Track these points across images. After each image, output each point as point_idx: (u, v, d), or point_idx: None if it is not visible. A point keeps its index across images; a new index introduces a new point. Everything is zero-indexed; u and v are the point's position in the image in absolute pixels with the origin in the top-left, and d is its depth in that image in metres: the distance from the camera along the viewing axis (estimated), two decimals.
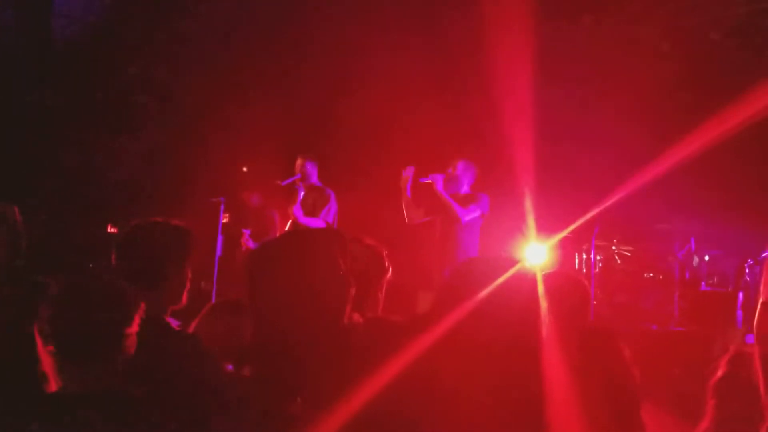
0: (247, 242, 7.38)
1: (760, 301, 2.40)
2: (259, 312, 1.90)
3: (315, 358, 1.41)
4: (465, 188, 6.90)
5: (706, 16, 8.28)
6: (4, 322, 2.54)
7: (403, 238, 7.05)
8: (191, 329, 2.79)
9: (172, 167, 8.98)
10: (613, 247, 8.53)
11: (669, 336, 7.50)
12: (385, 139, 8.17)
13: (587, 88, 8.26)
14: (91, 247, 7.67)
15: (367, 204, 7.72)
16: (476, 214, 6.76)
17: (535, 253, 7.01)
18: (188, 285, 2.68)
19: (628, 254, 8.55)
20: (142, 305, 2.18)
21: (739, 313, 6.86)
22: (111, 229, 8.09)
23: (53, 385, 2.19)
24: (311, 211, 7.22)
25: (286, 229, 7.29)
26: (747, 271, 6.91)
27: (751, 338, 6.46)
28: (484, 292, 1.71)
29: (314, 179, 7.43)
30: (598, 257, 8.21)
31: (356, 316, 2.00)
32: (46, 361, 2.34)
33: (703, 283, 8.22)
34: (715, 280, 8.28)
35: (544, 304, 1.76)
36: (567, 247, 8.07)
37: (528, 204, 6.92)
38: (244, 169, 8.21)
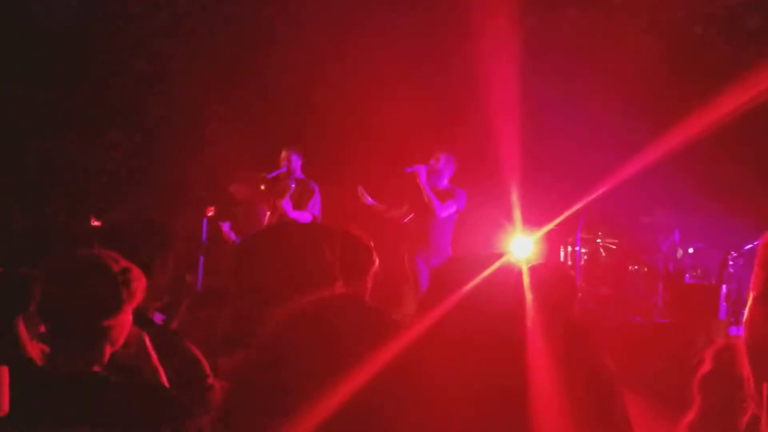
0: (230, 235, 7.35)
1: (751, 295, 2.41)
2: (242, 303, 1.89)
3: (296, 350, 1.41)
4: (444, 182, 6.92)
5: (689, 9, 8.31)
6: None
7: (376, 231, 7.07)
8: (175, 322, 2.77)
9: (157, 161, 8.94)
10: (598, 240, 8.56)
11: (653, 328, 7.55)
12: (368, 131, 8.15)
13: (573, 81, 8.27)
14: (74, 240, 7.62)
15: (345, 196, 7.71)
16: (452, 210, 6.78)
17: (521, 247, 7.03)
18: (170, 281, 2.67)
19: (613, 247, 8.60)
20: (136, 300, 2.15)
21: (723, 305, 6.91)
22: (94, 222, 8.03)
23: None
24: (298, 204, 7.20)
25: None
26: (730, 263, 6.96)
27: (734, 330, 6.51)
28: (469, 286, 1.70)
29: (299, 172, 7.41)
30: (583, 250, 8.24)
31: None
32: (32, 349, 2.34)
33: (686, 275, 8.28)
34: (699, 272, 8.33)
35: (529, 297, 1.76)
36: (552, 240, 8.09)
37: (513, 197, 6.94)
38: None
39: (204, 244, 7.46)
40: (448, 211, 6.73)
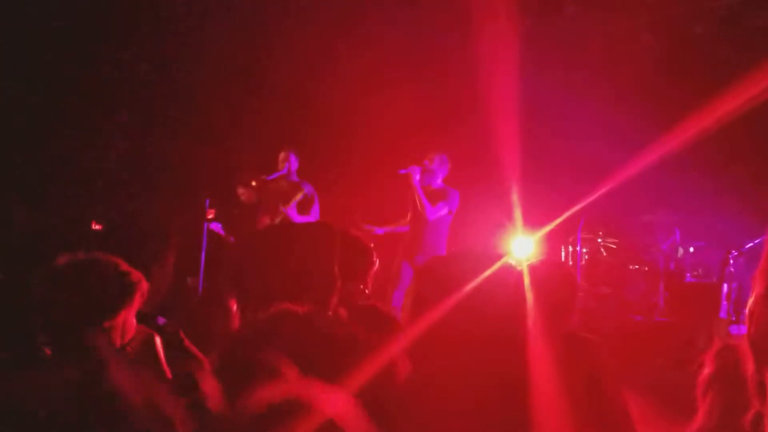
0: (222, 233, 7.34)
1: (754, 293, 2.40)
2: (244, 302, 1.90)
3: (298, 349, 1.41)
4: (438, 182, 6.92)
5: (689, 8, 8.30)
6: None
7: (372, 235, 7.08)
8: (176, 322, 2.77)
9: (157, 162, 8.93)
10: (599, 239, 8.56)
11: (654, 327, 7.55)
12: (368, 131, 8.15)
13: (573, 80, 8.27)
14: (75, 243, 7.61)
15: (345, 196, 7.71)
16: (443, 212, 6.75)
17: (521, 246, 7.03)
18: (169, 283, 2.67)
19: (614, 246, 8.59)
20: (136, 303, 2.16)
21: (724, 303, 6.91)
22: (95, 226, 8.03)
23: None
24: (299, 208, 7.21)
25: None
26: (731, 262, 6.95)
27: (735, 329, 6.49)
28: (469, 286, 1.70)
29: (294, 174, 7.42)
30: (583, 249, 8.25)
31: (342, 311, 2.00)
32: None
33: (687, 274, 8.28)
34: (700, 271, 8.33)
35: (530, 297, 1.76)
36: (553, 240, 8.09)
37: (513, 197, 6.94)
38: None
39: (204, 246, 7.46)
40: (438, 213, 6.72)
